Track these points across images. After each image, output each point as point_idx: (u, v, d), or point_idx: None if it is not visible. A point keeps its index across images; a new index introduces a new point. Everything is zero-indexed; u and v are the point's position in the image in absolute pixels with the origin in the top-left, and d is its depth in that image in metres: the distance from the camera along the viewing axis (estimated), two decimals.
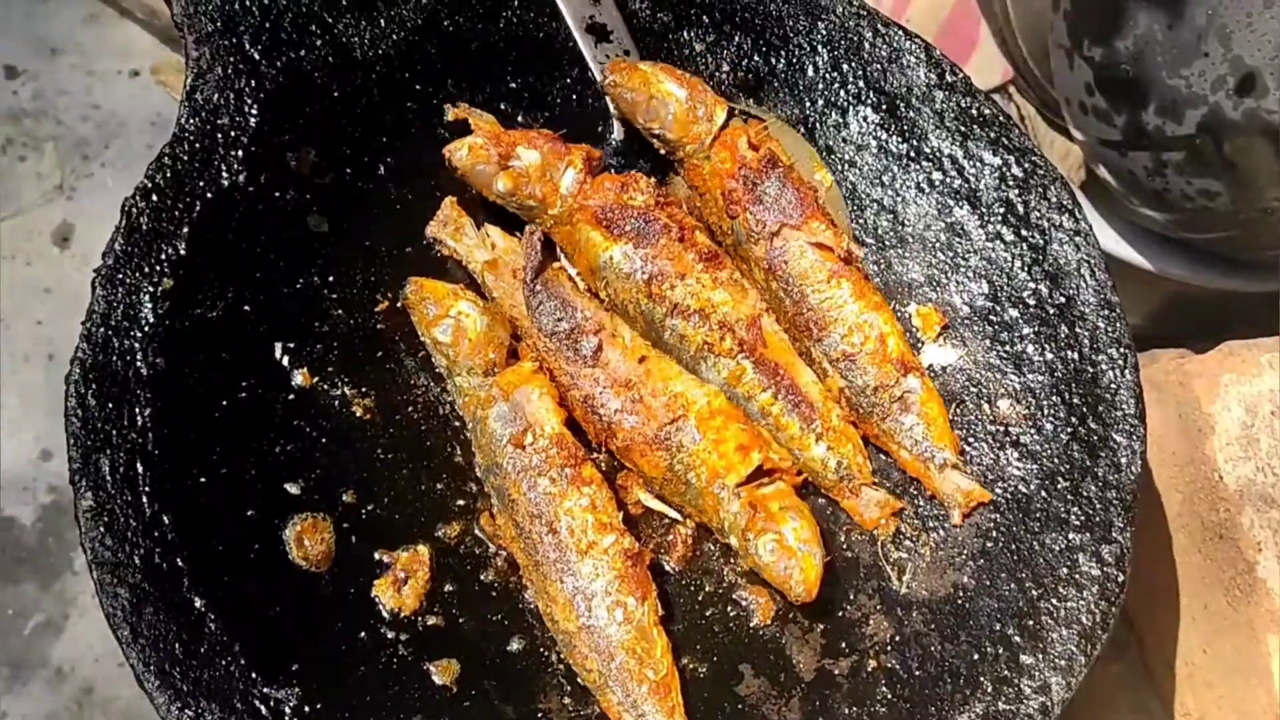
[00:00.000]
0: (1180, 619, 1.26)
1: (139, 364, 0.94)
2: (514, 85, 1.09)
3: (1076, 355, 1.02)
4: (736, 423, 1.00)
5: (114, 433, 0.92)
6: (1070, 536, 0.97)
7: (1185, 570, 1.24)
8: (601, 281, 1.03)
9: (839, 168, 1.09)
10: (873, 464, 1.03)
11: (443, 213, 1.06)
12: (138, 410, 0.93)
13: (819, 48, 1.09)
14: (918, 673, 0.96)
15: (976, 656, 0.95)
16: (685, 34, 1.10)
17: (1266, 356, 1.24)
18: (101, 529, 0.90)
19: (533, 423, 0.97)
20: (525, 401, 0.97)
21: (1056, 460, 1.00)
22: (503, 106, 1.08)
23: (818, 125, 1.09)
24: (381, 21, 1.06)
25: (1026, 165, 1.06)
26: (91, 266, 0.95)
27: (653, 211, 1.02)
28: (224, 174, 1.00)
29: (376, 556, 0.97)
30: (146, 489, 0.91)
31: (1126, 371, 1.01)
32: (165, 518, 0.91)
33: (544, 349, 1.03)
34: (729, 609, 1.00)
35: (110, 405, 0.92)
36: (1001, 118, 1.07)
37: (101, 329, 0.94)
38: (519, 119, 1.09)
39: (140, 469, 0.92)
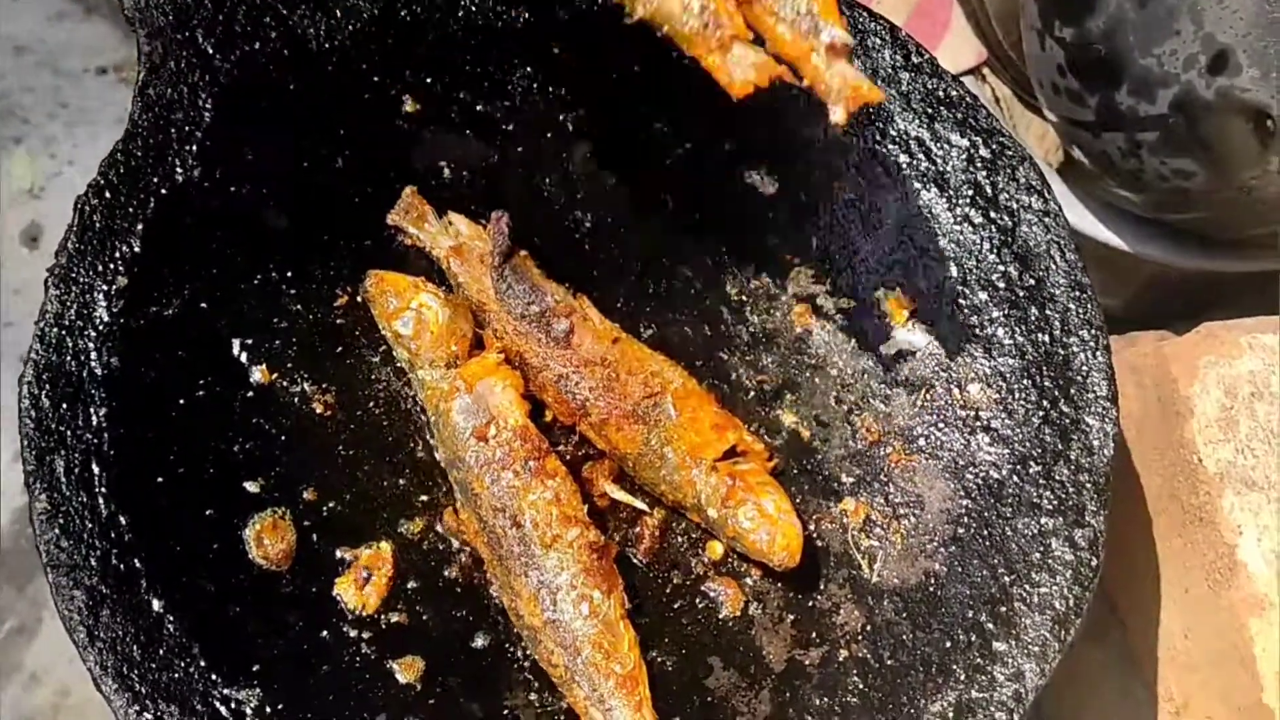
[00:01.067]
0: (1162, 603, 1.24)
1: (93, 363, 0.93)
2: (473, 74, 1.07)
3: (1047, 338, 1.00)
4: (710, 405, 1.00)
5: (68, 433, 0.91)
6: (1043, 521, 0.96)
7: (1166, 554, 1.23)
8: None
9: (805, 152, 1.07)
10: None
11: (404, 201, 1.04)
12: (93, 410, 0.92)
13: None
14: (890, 662, 0.95)
15: (949, 644, 0.94)
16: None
17: (1246, 338, 1.22)
18: (57, 531, 0.88)
19: (496, 415, 0.96)
20: (488, 393, 0.96)
21: (1028, 444, 0.98)
22: (462, 95, 1.06)
23: (782, 110, 1.08)
24: (337, 12, 1.04)
25: (994, 146, 1.04)
26: None
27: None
28: (178, 169, 0.98)
29: (338, 554, 0.96)
30: (102, 490, 0.90)
31: (1098, 353, 0.99)
32: (122, 518, 0.90)
33: (513, 332, 1.01)
34: (697, 601, 0.99)
35: (64, 406, 0.91)
36: (968, 99, 1.06)
37: (55, 329, 0.93)
38: (479, 107, 1.07)
39: (96, 469, 0.90)
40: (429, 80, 1.06)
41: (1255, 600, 1.14)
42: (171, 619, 0.89)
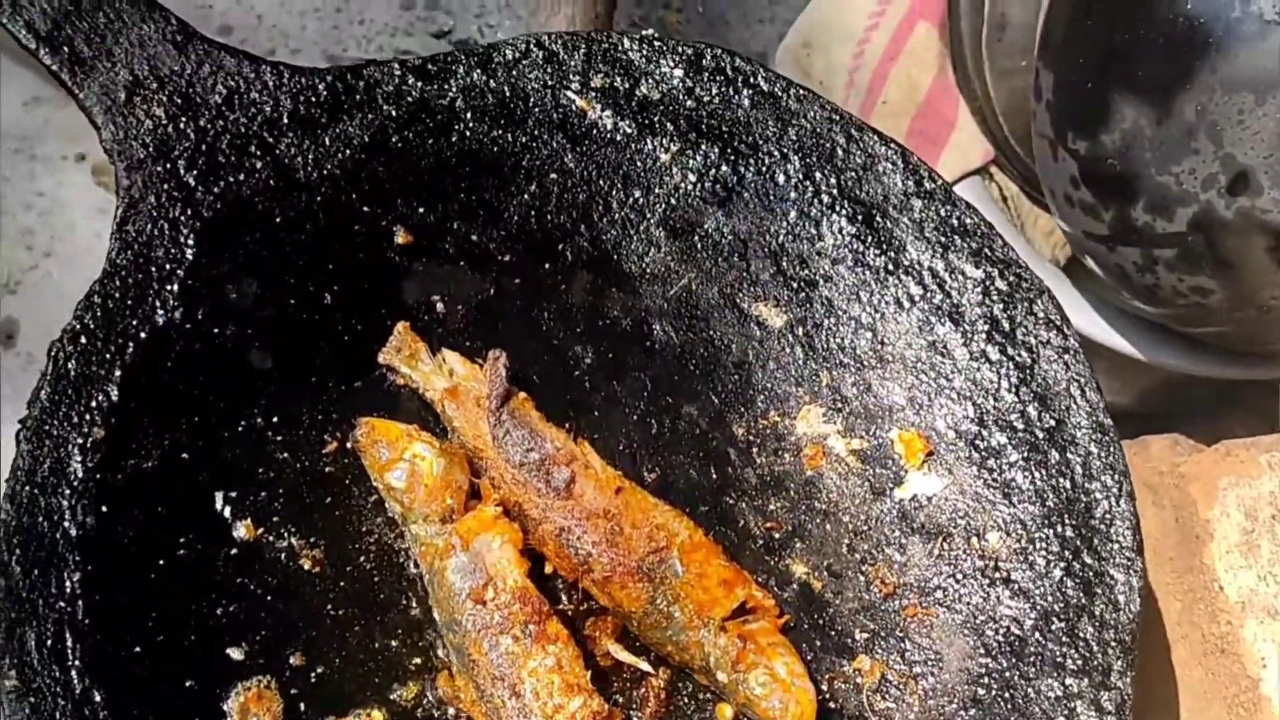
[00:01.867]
0: None
1: (67, 524, 0.88)
2: (468, 202, 1.03)
3: (1069, 483, 0.96)
4: (718, 558, 0.95)
5: (40, 602, 0.86)
6: (1067, 682, 0.92)
7: (1186, 684, 1.19)
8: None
9: (814, 283, 1.03)
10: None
11: (395, 339, 1.00)
12: (66, 575, 0.87)
13: (790, 154, 1.03)
14: None
15: None
16: (649, 142, 1.04)
17: (1266, 456, 1.18)
18: (27, 710, 0.84)
19: (494, 575, 0.91)
20: (486, 551, 0.91)
21: (1050, 599, 0.94)
22: (456, 226, 1.02)
23: (790, 237, 1.03)
24: (326, 140, 0.99)
25: (1011, 278, 1.00)
26: (38, 365, 0.90)
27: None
28: (159, 311, 0.94)
29: None
30: (76, 663, 0.85)
31: (1122, 500, 0.95)
32: (96, 694, 0.85)
33: (512, 481, 0.97)
34: None
35: (36, 572, 0.86)
36: (983, 227, 1.02)
37: (26, 487, 0.88)
38: (473, 237, 1.03)
39: (69, 641, 0.86)
40: (421, 210, 1.01)
41: None
42: None
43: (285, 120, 0.99)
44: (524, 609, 0.90)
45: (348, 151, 1.00)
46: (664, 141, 1.04)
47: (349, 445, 0.97)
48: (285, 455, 0.96)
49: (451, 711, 0.93)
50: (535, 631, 0.89)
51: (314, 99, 1.00)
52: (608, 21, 1.51)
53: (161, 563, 0.90)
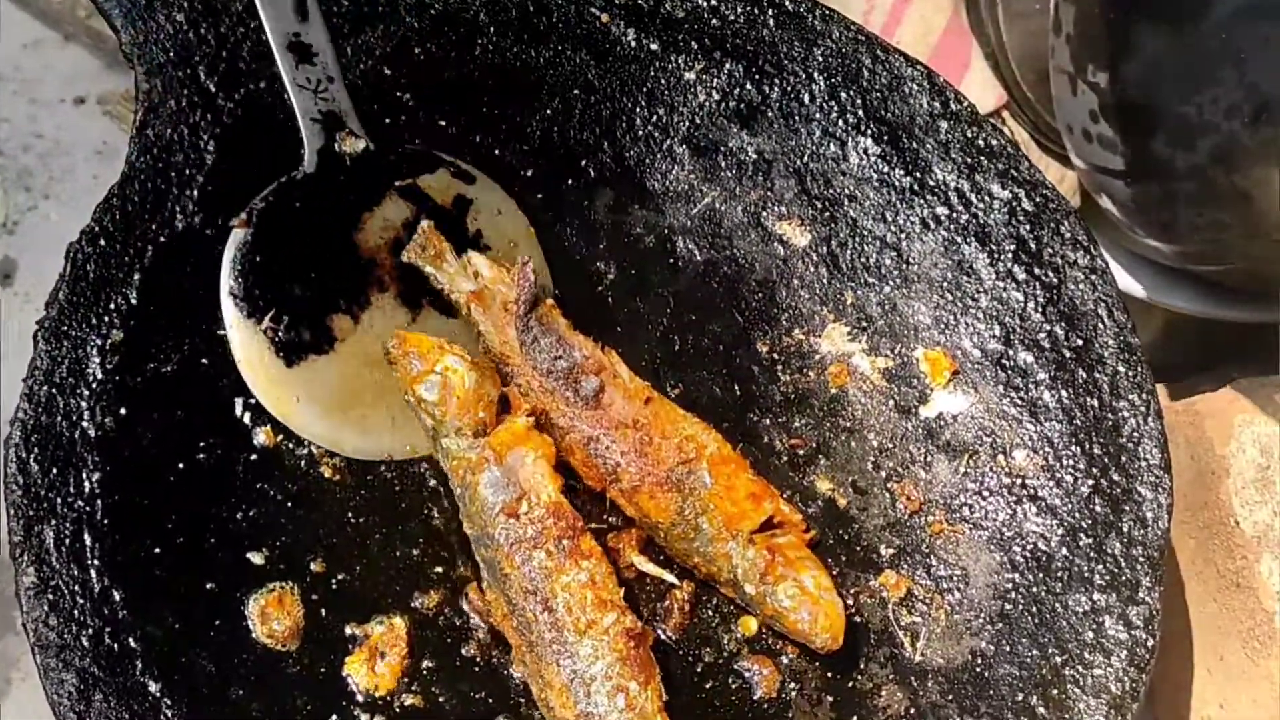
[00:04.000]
0: (1195, 671, 1.19)
1: (86, 424, 0.86)
2: (490, 116, 1.02)
3: (1096, 402, 0.96)
4: (746, 472, 0.94)
5: (59, 501, 0.84)
6: (1095, 597, 0.91)
7: (1200, 620, 1.18)
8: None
9: (839, 202, 1.02)
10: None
11: (420, 237, 0.98)
12: (85, 475, 0.85)
13: (815, 75, 1.02)
14: None
15: None
16: (673, 60, 1.03)
17: None
18: (45, 607, 0.82)
19: (527, 489, 0.89)
20: (519, 466, 0.90)
21: (1077, 515, 0.93)
22: (478, 139, 1.01)
23: (814, 157, 1.02)
24: (348, 50, 0.98)
25: (1038, 199, 1.00)
26: (36, 305, 0.88)
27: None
28: (178, 215, 0.92)
29: (348, 631, 0.89)
30: (95, 562, 0.84)
31: (1149, 419, 0.95)
32: (116, 593, 0.84)
33: (539, 388, 0.95)
34: (730, 680, 0.93)
35: (55, 470, 0.85)
36: (1010, 148, 1.01)
37: (45, 387, 0.86)
38: (496, 151, 1.01)
39: (88, 540, 0.84)
40: (443, 124, 1.00)
41: None
42: (169, 703, 0.83)
43: None
44: (558, 524, 0.88)
45: (370, 62, 0.99)
46: (688, 59, 1.03)
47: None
48: None
49: (475, 619, 0.91)
50: (569, 547, 0.88)
51: (337, 8, 0.98)
52: None
53: (181, 466, 0.89)
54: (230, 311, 0.93)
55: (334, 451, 0.93)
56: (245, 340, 0.92)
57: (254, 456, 0.91)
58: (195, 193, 0.93)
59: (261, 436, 0.92)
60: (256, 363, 0.92)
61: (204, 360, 0.91)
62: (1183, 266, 1.30)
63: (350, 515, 0.93)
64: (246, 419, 0.92)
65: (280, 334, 0.93)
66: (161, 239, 0.91)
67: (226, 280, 0.93)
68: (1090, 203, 1.35)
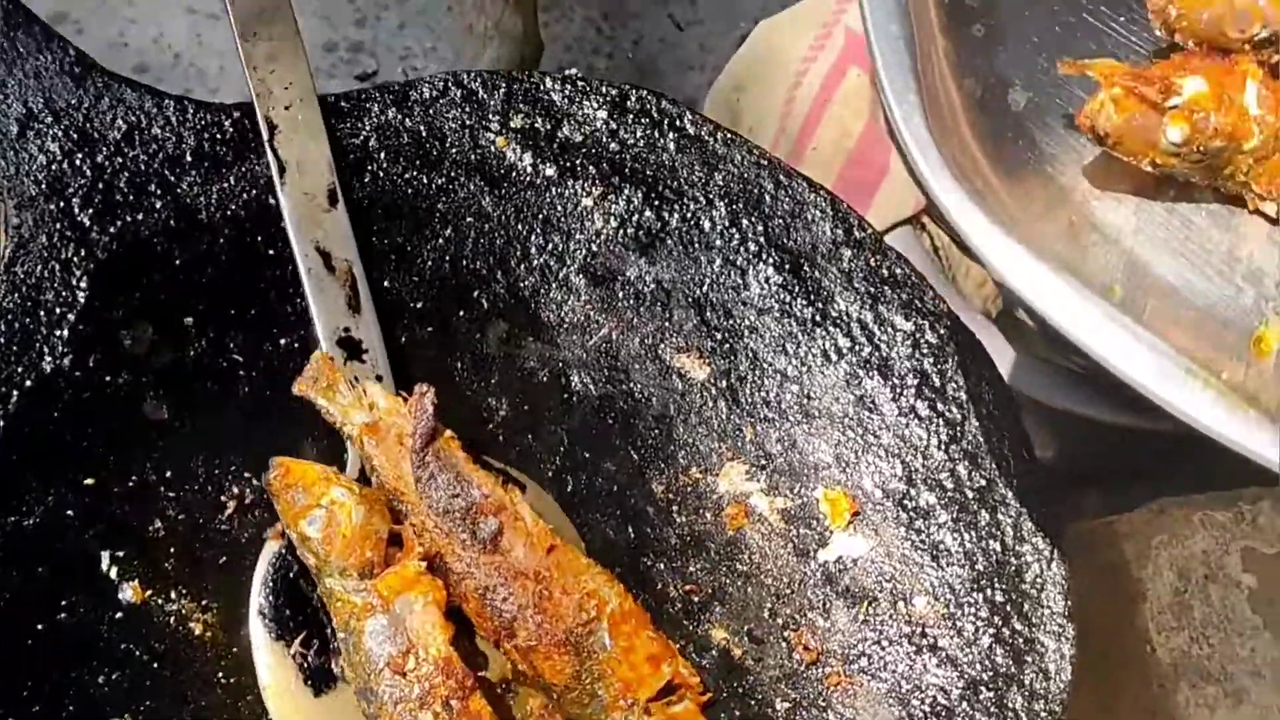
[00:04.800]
0: None
1: None
2: (381, 246, 0.99)
3: (999, 545, 0.93)
4: (646, 629, 0.91)
5: None
6: None
7: None
8: None
9: (739, 334, 0.99)
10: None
11: (312, 368, 0.93)
12: None
13: (716, 201, 1.00)
14: None
15: None
16: (570, 186, 1.00)
17: (1199, 515, 1.17)
18: None
19: (415, 642, 0.85)
20: (407, 614, 0.85)
21: (979, 667, 0.90)
22: (367, 271, 0.97)
23: (715, 287, 1.00)
24: (231, 179, 0.95)
25: (942, 331, 0.97)
26: None
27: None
28: (46, 358, 0.89)
29: None
30: None
31: (1054, 564, 0.92)
32: None
33: (434, 529, 0.91)
34: None
35: None
36: (914, 278, 0.99)
37: None
38: (385, 283, 0.98)
39: None
40: None
41: None
42: None
43: (188, 158, 0.95)
44: (446, 682, 0.84)
45: (253, 191, 0.96)
46: (586, 185, 1.00)
47: (246, 501, 0.92)
48: (178, 512, 0.91)
49: None
50: (458, 708, 0.84)
51: (219, 136, 0.95)
52: (535, 67, 1.48)
53: (40, 628, 0.85)
54: (259, 633, 0.89)
55: (207, 606, 0.90)
56: (273, 664, 0.89)
57: (120, 614, 0.87)
58: (65, 332, 0.89)
59: (129, 592, 0.88)
60: (284, 691, 0.88)
61: (69, 512, 0.87)
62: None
63: (221, 675, 0.89)
64: (113, 573, 0.88)
65: (310, 659, 0.89)
66: (28, 383, 0.88)
67: (256, 598, 0.89)
68: (1009, 310, 1.34)
